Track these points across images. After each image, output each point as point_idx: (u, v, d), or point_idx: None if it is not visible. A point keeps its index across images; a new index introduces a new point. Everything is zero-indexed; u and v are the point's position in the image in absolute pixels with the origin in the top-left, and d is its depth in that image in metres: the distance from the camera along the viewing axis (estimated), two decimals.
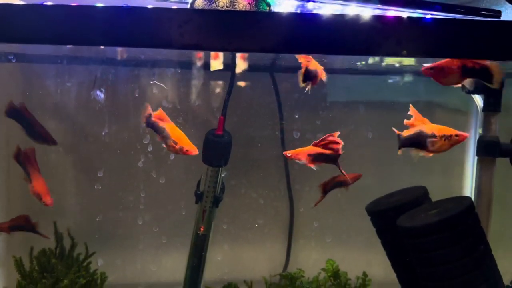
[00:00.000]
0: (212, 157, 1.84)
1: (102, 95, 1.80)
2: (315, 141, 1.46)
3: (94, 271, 1.86)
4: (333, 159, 1.46)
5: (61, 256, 1.85)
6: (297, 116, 2.01)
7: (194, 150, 1.43)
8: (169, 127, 1.45)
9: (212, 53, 1.81)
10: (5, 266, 1.99)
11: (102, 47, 1.56)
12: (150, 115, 1.48)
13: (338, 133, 1.47)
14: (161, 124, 1.46)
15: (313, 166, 1.46)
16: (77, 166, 1.99)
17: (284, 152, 1.47)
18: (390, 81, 2.08)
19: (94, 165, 1.94)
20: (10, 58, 1.64)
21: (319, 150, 1.44)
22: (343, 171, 1.48)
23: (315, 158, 1.45)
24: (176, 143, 1.41)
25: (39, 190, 1.51)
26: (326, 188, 1.66)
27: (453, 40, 1.26)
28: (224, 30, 1.18)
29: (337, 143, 1.46)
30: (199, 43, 1.17)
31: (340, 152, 1.46)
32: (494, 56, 1.35)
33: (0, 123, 1.94)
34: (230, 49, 1.20)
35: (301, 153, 1.46)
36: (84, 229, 1.99)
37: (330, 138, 1.45)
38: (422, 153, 1.42)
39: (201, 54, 1.86)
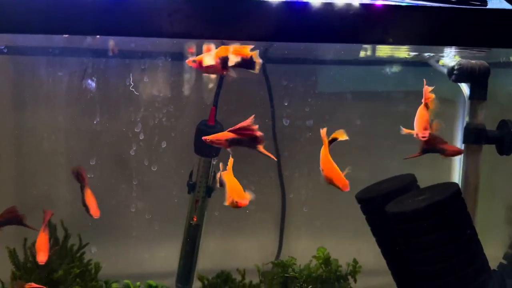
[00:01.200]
0: (203, 147, 1.86)
1: (93, 85, 1.80)
2: (230, 128, 1.40)
3: (88, 261, 1.88)
4: (253, 143, 1.40)
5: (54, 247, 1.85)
6: (286, 104, 2.03)
7: (244, 201, 1.38)
8: (228, 179, 1.41)
9: (204, 48, 1.81)
10: None
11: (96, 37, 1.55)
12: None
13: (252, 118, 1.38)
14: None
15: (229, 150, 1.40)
16: (69, 155, 1.99)
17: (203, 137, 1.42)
18: (379, 71, 2.11)
19: (86, 153, 1.95)
20: (2, 48, 1.64)
21: (236, 135, 1.38)
22: (268, 154, 1.42)
23: (233, 142, 1.39)
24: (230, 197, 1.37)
25: (39, 247, 1.58)
26: (426, 148, 1.62)
27: (441, 27, 1.29)
28: (214, 18, 1.19)
29: (253, 129, 1.37)
30: (188, 32, 1.19)
31: (261, 137, 1.39)
32: (480, 43, 1.39)
33: None
34: (219, 38, 1.22)
35: (220, 138, 1.40)
36: (77, 218, 2.00)
37: (245, 125, 1.37)
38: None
39: (193, 49, 1.87)
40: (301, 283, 1.77)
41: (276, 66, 2.01)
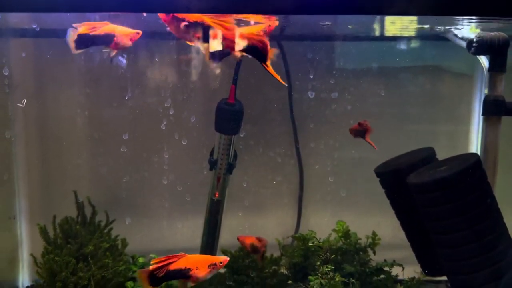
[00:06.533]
0: (224, 125, 1.89)
1: (124, 61, 1.82)
2: None
3: (115, 237, 1.93)
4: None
5: (83, 224, 1.91)
6: (312, 76, 2.04)
7: None
8: None
9: (211, 33, 1.81)
10: (29, 234, 2.07)
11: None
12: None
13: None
14: None
15: None
16: (103, 130, 2.06)
17: None
18: (397, 46, 2.11)
19: (119, 128, 2.00)
20: (35, 27, 1.67)
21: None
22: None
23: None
24: None
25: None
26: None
27: None
28: None
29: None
30: (216, 6, 1.21)
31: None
32: (501, 13, 1.38)
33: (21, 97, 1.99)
34: (245, 12, 1.24)
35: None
36: (109, 192, 2.06)
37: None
38: None
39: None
40: (324, 252, 1.81)
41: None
